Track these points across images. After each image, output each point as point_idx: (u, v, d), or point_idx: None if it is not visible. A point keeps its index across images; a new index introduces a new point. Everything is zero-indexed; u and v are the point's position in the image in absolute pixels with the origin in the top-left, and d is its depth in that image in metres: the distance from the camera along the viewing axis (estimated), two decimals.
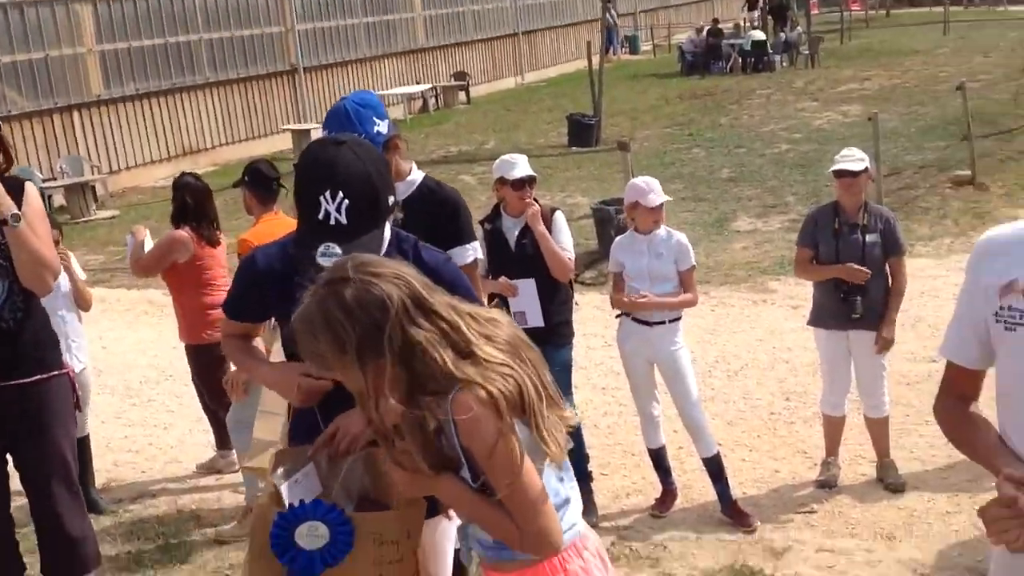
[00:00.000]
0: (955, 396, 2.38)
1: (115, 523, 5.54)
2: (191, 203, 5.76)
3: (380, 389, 2.21)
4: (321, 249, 2.60)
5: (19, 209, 3.68)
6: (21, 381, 3.74)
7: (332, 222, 2.60)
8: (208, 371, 5.76)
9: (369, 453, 2.67)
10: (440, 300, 2.25)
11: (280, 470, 2.59)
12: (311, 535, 2.43)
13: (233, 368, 5.15)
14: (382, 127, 3.39)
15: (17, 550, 4.01)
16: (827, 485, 5.45)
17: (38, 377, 3.79)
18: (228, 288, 5.77)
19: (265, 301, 2.93)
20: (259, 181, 5.43)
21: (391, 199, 2.75)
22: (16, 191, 3.76)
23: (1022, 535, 1.98)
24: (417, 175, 3.71)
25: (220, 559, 5.06)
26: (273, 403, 4.01)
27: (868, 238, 5.28)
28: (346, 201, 2.60)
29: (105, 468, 6.32)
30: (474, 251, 3.70)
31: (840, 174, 5.34)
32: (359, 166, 2.63)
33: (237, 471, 5.88)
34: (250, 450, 4.35)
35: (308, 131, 19.95)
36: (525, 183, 5.16)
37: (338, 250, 2.58)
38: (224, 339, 3.12)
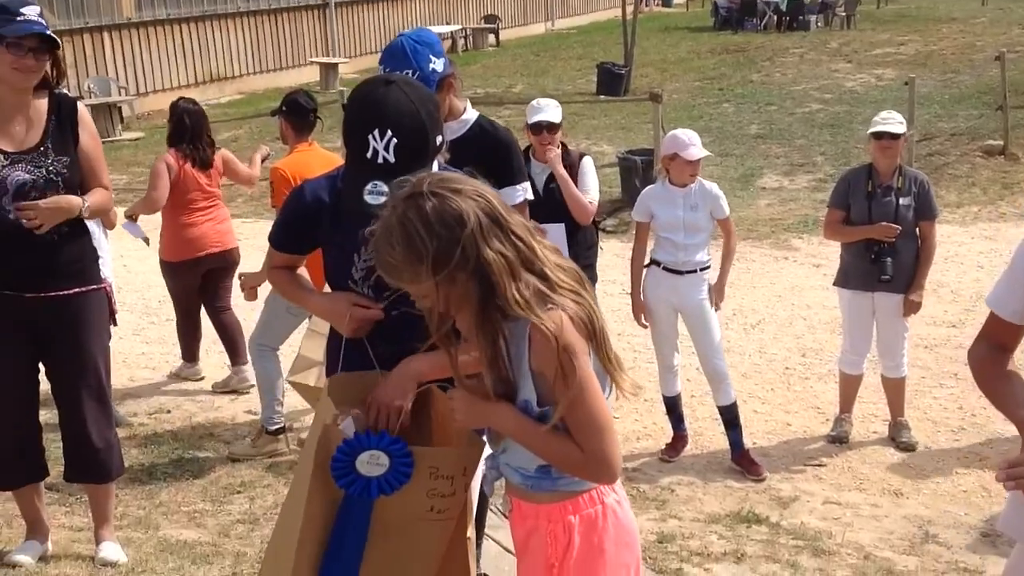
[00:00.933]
0: (992, 344, 2.38)
1: (130, 435, 5.60)
2: (188, 124, 6.09)
3: (452, 303, 2.22)
4: (368, 187, 2.61)
5: (77, 136, 3.78)
6: (61, 292, 3.78)
7: (380, 160, 2.61)
8: (179, 288, 6.31)
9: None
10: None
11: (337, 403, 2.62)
12: (372, 463, 2.44)
13: (242, 272, 5.48)
14: (438, 65, 3.36)
15: (43, 456, 4.07)
16: (838, 440, 5.48)
17: (77, 290, 3.82)
18: (211, 209, 6.25)
19: (312, 233, 2.93)
20: (296, 111, 5.51)
21: (439, 139, 2.74)
22: (70, 111, 3.80)
23: None
24: (471, 114, 3.69)
25: (232, 476, 5.12)
26: (320, 323, 4.02)
27: (902, 201, 5.27)
28: (394, 140, 2.60)
29: (122, 383, 6.38)
30: (524, 191, 3.69)
31: (880, 136, 5.29)
32: (408, 105, 2.63)
33: (251, 388, 6.04)
34: (293, 365, 4.36)
35: (336, 65, 19.91)
36: (543, 128, 5.16)
37: (385, 188, 2.58)
38: (270, 271, 3.13)
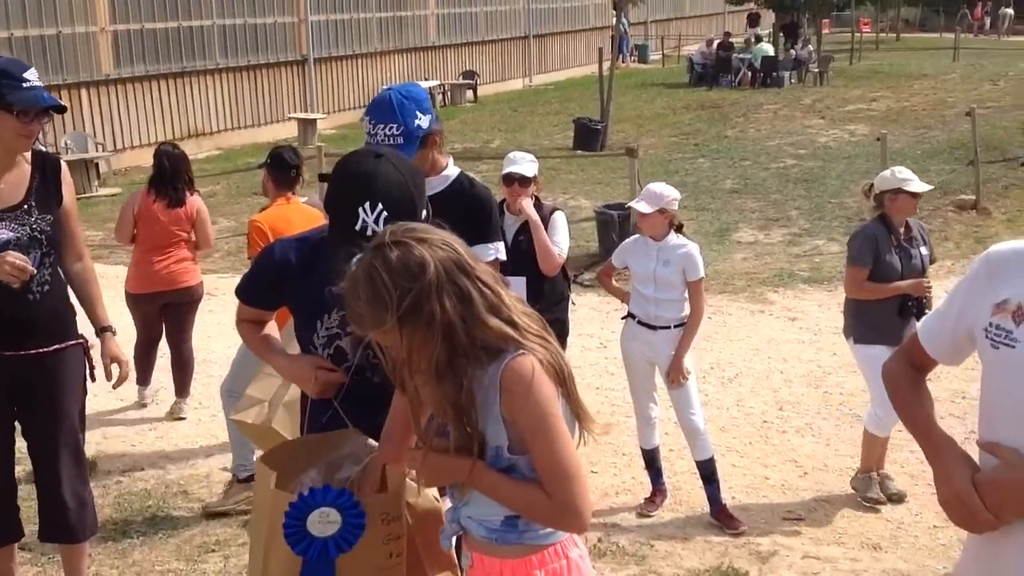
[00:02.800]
0: (910, 364, 2.45)
1: (103, 493, 5.52)
2: (167, 165, 6.49)
3: (416, 352, 2.22)
4: (356, 259, 2.63)
5: (61, 195, 3.85)
6: (40, 350, 3.77)
7: (369, 232, 2.63)
8: (138, 318, 6.73)
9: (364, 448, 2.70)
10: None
11: (349, 453, 2.61)
12: (323, 522, 2.43)
13: None
14: (423, 121, 3.41)
15: (18, 514, 4.02)
16: (899, 499, 5.31)
17: (55, 347, 3.81)
18: (173, 248, 6.50)
19: (277, 291, 2.95)
20: (279, 165, 5.64)
21: (424, 212, 2.78)
22: (54, 169, 3.84)
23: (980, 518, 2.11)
24: (453, 170, 3.72)
25: (206, 534, 5.06)
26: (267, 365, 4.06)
27: (922, 251, 5.31)
28: (384, 213, 2.64)
29: (95, 440, 6.30)
30: (496, 251, 3.71)
31: (905, 193, 5.23)
32: (398, 178, 2.67)
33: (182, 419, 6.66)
34: (239, 403, 4.37)
35: (314, 120, 19.99)
36: (514, 180, 5.22)
37: None
38: (238, 323, 3.14)
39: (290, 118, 20.71)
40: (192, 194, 6.60)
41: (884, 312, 5.24)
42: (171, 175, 6.46)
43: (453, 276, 2.21)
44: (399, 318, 2.18)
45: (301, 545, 2.44)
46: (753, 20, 34.07)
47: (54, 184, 3.82)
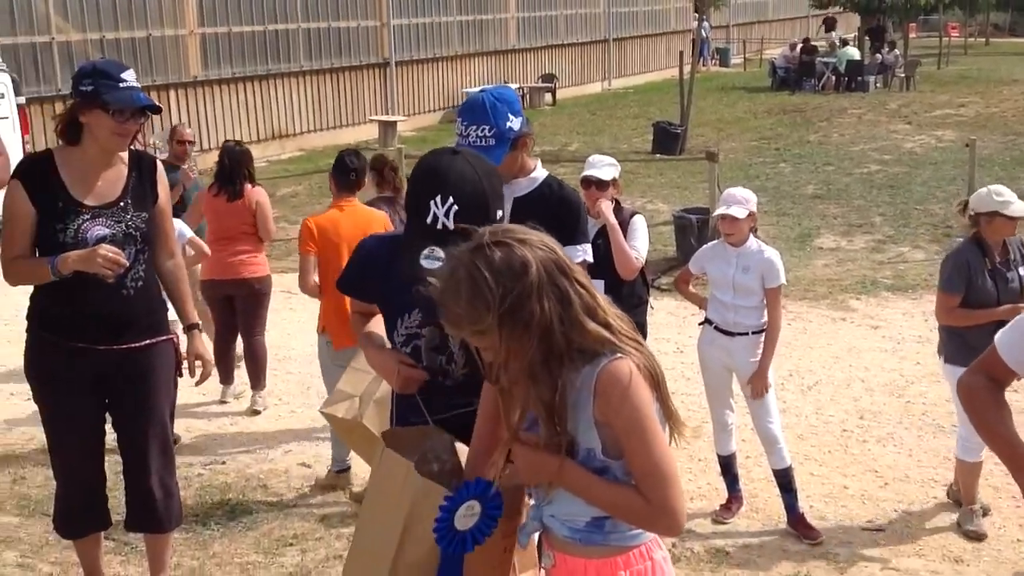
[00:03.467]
0: (989, 377, 2.41)
1: (185, 486, 5.62)
2: (226, 162, 6.79)
3: (512, 354, 2.23)
4: (425, 252, 2.66)
5: (157, 193, 3.93)
6: (133, 344, 3.86)
7: (439, 226, 2.66)
8: (209, 307, 6.95)
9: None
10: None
11: (430, 447, 2.62)
12: (466, 515, 2.41)
13: None
14: (515, 123, 3.43)
15: (106, 504, 4.12)
16: (977, 538, 5.04)
17: (148, 342, 3.90)
18: (230, 241, 6.77)
19: (365, 283, 3.02)
20: (340, 169, 5.78)
21: (499, 213, 2.79)
22: (150, 168, 3.94)
23: None
24: (541, 172, 3.71)
25: (284, 528, 5.14)
26: (365, 363, 4.14)
27: (1020, 271, 5.02)
28: (455, 207, 2.66)
29: (178, 433, 6.44)
30: (584, 253, 3.70)
31: (1002, 216, 4.93)
32: (472, 175, 2.70)
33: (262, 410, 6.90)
34: (329, 397, 4.45)
35: (394, 123, 20.18)
36: (591, 184, 5.23)
37: (441, 253, 2.61)
38: (351, 314, 3.23)
39: (371, 120, 20.94)
40: (252, 187, 6.83)
41: (979, 334, 4.83)
42: (230, 171, 6.76)
43: (553, 277, 2.21)
44: (499, 319, 2.18)
45: (448, 539, 2.41)
46: (830, 24, 33.59)
47: (150, 183, 3.91)
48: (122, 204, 3.81)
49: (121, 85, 3.67)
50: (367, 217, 5.64)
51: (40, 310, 3.85)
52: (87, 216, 3.73)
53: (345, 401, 4.01)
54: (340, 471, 5.63)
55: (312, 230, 5.57)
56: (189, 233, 6.52)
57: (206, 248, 6.70)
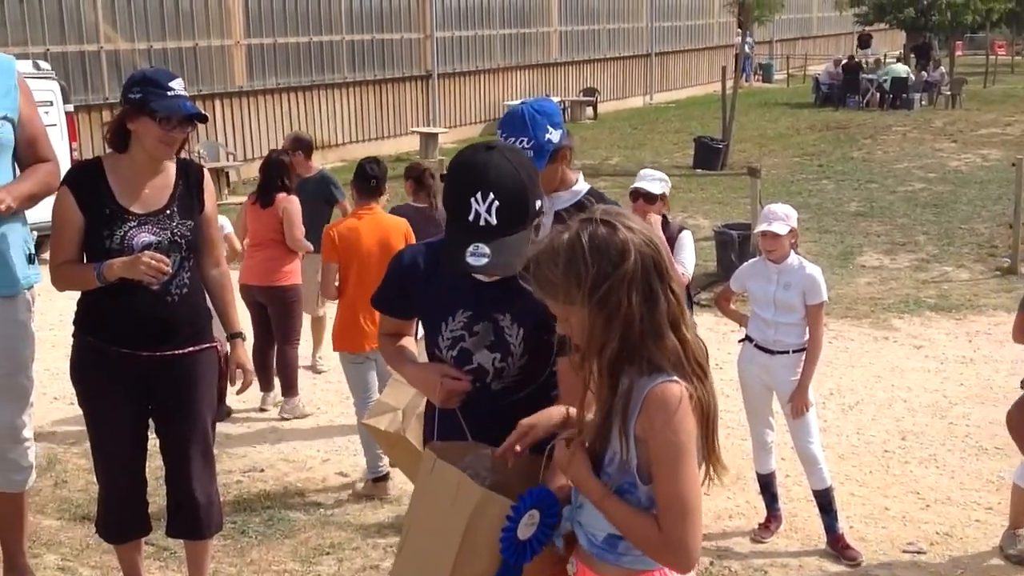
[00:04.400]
0: None
1: (223, 493, 5.64)
2: (264, 171, 7.06)
3: (591, 336, 2.21)
4: (470, 249, 2.65)
5: (203, 202, 3.96)
6: (176, 352, 3.88)
7: (482, 223, 2.65)
8: (251, 318, 6.96)
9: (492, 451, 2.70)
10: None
11: (469, 462, 2.61)
12: (527, 524, 2.39)
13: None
14: (554, 136, 3.42)
15: (146, 510, 4.16)
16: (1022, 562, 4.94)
17: (191, 349, 3.91)
18: (259, 247, 6.90)
19: (406, 296, 2.98)
20: (360, 177, 5.89)
21: (539, 203, 2.79)
22: (197, 177, 3.97)
23: None
24: (582, 186, 3.70)
25: (321, 537, 5.16)
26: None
27: None
28: (496, 202, 2.65)
29: (217, 441, 6.47)
30: None
31: None
32: (509, 169, 2.68)
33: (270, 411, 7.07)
34: (371, 409, 4.46)
35: (436, 135, 20.28)
36: (639, 196, 5.23)
37: (487, 249, 2.63)
38: (380, 337, 3.21)
39: (412, 131, 21.06)
40: (285, 196, 6.92)
41: None
42: (265, 179, 7.00)
43: (648, 274, 2.17)
44: (589, 296, 2.16)
45: (513, 550, 2.39)
46: (864, 41, 33.36)
47: (196, 191, 3.93)
48: (168, 212, 3.84)
49: (169, 94, 3.70)
50: (387, 225, 5.75)
51: (86, 315, 3.89)
52: (133, 223, 3.76)
53: (388, 413, 4.01)
54: (377, 479, 5.66)
55: (334, 239, 5.69)
56: (228, 228, 6.66)
57: (238, 245, 6.87)
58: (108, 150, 3.89)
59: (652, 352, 2.18)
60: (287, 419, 6.97)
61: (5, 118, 3.86)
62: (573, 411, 2.46)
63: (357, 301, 5.55)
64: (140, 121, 3.71)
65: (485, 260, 2.62)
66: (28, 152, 3.99)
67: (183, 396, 3.93)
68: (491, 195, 2.65)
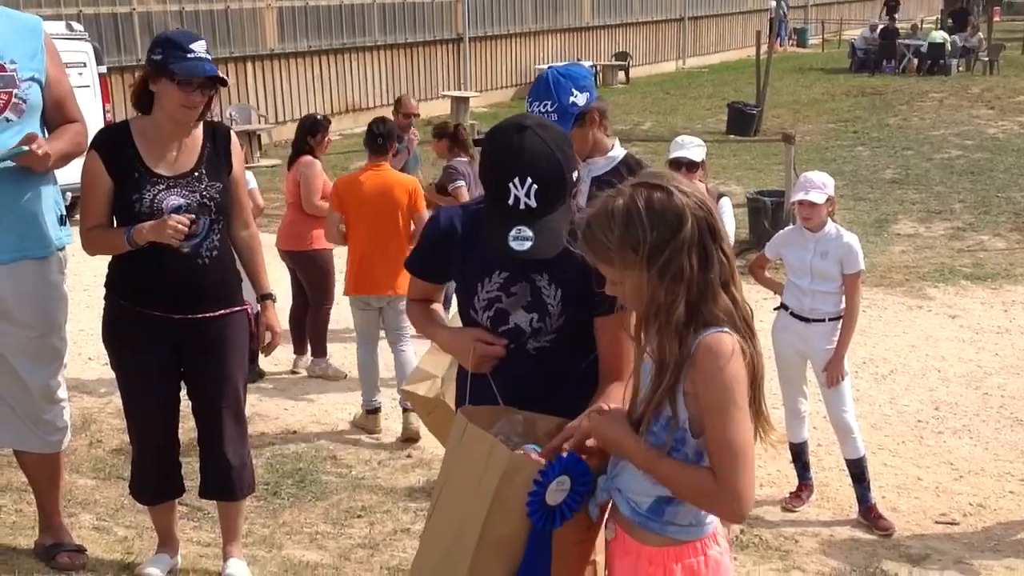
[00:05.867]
0: None
1: (256, 455, 5.65)
2: (296, 134, 7.18)
3: (649, 299, 2.22)
4: (513, 233, 2.64)
5: (231, 164, 3.95)
6: (208, 314, 3.88)
7: (522, 206, 2.64)
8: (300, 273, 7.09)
9: (527, 417, 2.69)
10: (728, 241, 2.28)
11: (501, 427, 2.62)
12: (557, 490, 2.39)
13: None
14: (579, 99, 3.39)
15: (179, 471, 4.19)
16: None
17: (222, 311, 3.92)
18: (286, 210, 7.03)
19: (444, 259, 2.96)
20: (369, 135, 6.23)
21: (575, 174, 2.77)
22: (224, 139, 3.96)
23: None
24: (619, 151, 3.65)
25: (353, 500, 5.19)
26: None
27: None
28: (535, 186, 2.63)
29: (250, 402, 6.50)
30: None
31: None
32: (544, 149, 2.66)
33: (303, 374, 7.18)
34: (410, 376, 4.49)
35: (467, 99, 20.18)
36: (682, 165, 5.20)
37: (529, 232, 2.62)
38: (408, 303, 3.18)
39: (444, 95, 20.97)
40: (307, 159, 6.96)
41: None
42: (294, 140, 7.17)
43: (704, 237, 2.20)
44: (648, 261, 2.18)
45: (540, 514, 2.39)
46: (891, 7, 32.85)
47: (224, 153, 3.92)
48: (196, 174, 3.83)
49: (189, 56, 3.66)
50: (391, 179, 6.10)
51: (117, 278, 3.90)
52: (162, 186, 3.76)
53: (427, 380, 4.00)
54: (369, 411, 6.13)
55: (336, 190, 6.18)
56: (253, 184, 6.67)
57: (260, 200, 6.94)
58: (135, 113, 3.88)
59: (707, 311, 2.20)
60: (314, 377, 7.03)
61: (33, 79, 3.85)
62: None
63: (359, 249, 6.02)
64: (161, 83, 3.69)
65: (529, 244, 2.62)
66: (56, 114, 3.98)
67: (214, 358, 3.94)
68: (528, 179, 2.63)
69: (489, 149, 2.75)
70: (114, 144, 3.78)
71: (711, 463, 2.20)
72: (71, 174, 3.98)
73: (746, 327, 2.23)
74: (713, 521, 2.36)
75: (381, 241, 5.93)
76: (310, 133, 7.01)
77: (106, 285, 3.95)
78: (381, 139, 6.14)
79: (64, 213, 4.10)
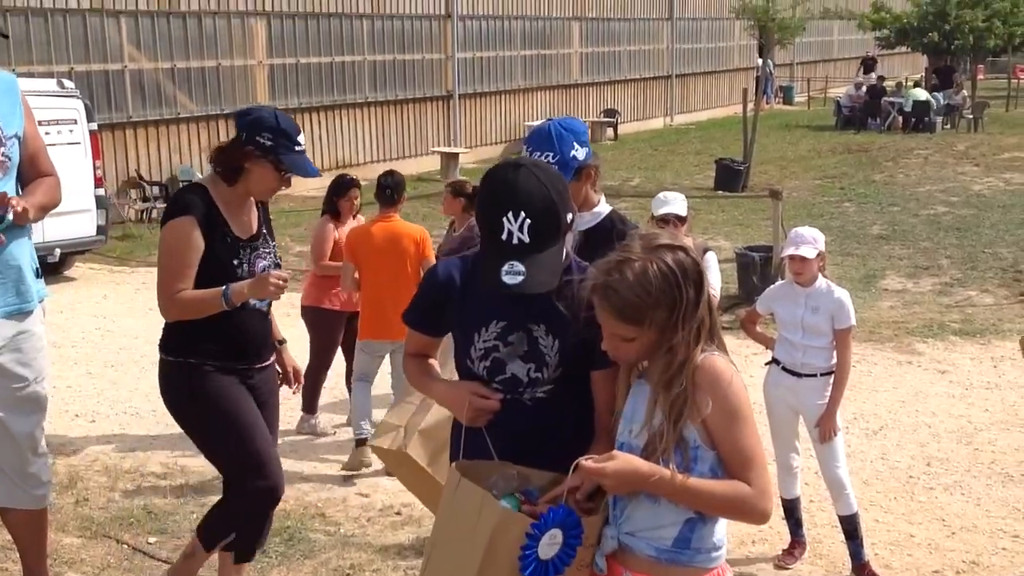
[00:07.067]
0: None
1: None
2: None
3: (686, 347, 2.38)
4: (505, 268, 2.66)
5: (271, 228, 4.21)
6: (266, 363, 4.19)
7: (515, 241, 2.67)
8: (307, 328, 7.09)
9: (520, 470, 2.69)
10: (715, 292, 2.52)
11: (495, 482, 2.61)
12: (549, 544, 2.41)
13: None
14: (579, 153, 3.43)
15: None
16: None
17: (271, 359, 4.25)
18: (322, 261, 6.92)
19: (441, 310, 2.96)
20: (378, 187, 6.47)
21: (570, 216, 2.79)
22: (264, 204, 4.17)
23: None
24: (604, 208, 3.70)
25: (341, 558, 5.13)
26: (412, 394, 4.21)
27: None
28: (528, 220, 2.66)
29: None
30: None
31: None
32: (538, 186, 2.69)
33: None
34: (376, 430, 4.54)
35: (456, 155, 20.33)
36: (669, 221, 5.20)
37: (522, 267, 2.65)
38: (405, 358, 3.18)
39: (433, 151, 21.13)
40: (323, 217, 7.05)
41: None
42: (324, 200, 7.18)
43: (702, 287, 2.40)
44: (683, 320, 2.36)
45: (533, 569, 2.40)
46: (868, 66, 33.29)
47: (266, 217, 4.18)
48: (262, 237, 4.07)
49: (297, 148, 3.90)
50: (401, 229, 6.34)
51: (199, 341, 3.96)
52: (248, 249, 3.98)
53: (391, 433, 4.02)
54: (360, 441, 6.29)
55: (349, 242, 6.43)
56: None
57: None
58: (213, 173, 3.99)
59: (708, 344, 2.42)
60: (302, 434, 6.97)
61: (15, 136, 3.88)
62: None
63: (372, 296, 6.27)
64: (260, 165, 3.87)
65: (520, 279, 2.64)
66: (30, 168, 4.01)
67: (269, 404, 4.19)
68: (522, 213, 2.66)
69: (486, 185, 2.78)
70: (207, 211, 3.90)
71: (734, 472, 2.34)
72: (62, 230, 4.03)
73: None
74: (724, 549, 2.48)
75: (393, 289, 6.05)
76: (335, 194, 6.96)
77: (176, 349, 4.00)
78: (390, 191, 6.40)
79: (38, 267, 4.10)
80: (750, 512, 2.38)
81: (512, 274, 2.65)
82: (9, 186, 3.85)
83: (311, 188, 18.58)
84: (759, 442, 2.38)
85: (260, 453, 4.04)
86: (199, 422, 4.07)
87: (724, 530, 2.48)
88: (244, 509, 4.16)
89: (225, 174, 3.92)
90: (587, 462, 2.36)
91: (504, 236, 2.67)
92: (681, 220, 5.21)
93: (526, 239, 2.66)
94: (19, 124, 3.91)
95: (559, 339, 2.79)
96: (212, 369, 3.97)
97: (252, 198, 4.04)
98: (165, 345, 4.05)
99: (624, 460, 2.35)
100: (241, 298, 3.83)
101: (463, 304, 2.89)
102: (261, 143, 3.82)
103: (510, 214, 2.66)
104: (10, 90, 3.94)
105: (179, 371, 4.00)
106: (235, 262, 3.92)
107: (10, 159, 3.85)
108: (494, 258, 2.69)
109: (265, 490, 4.11)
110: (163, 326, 4.08)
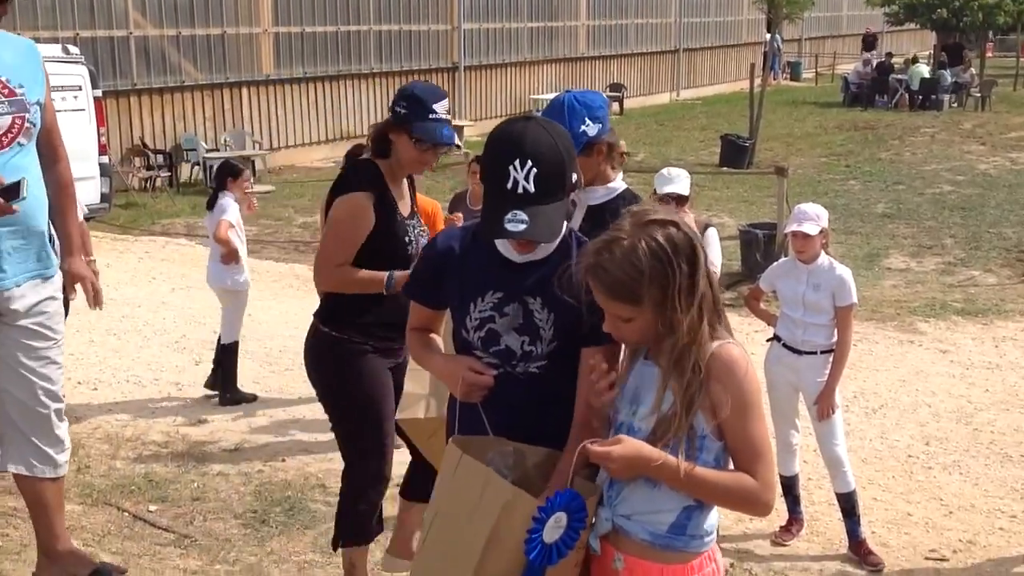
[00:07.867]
0: None
1: (245, 481, 5.71)
2: None
3: (691, 328, 2.31)
4: (508, 216, 2.65)
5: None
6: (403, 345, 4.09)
7: (520, 190, 2.65)
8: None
9: (518, 449, 2.69)
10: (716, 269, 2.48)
11: (492, 458, 2.61)
12: (555, 527, 2.39)
13: None
14: (590, 128, 3.41)
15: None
16: None
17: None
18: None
19: (439, 281, 2.95)
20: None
21: (575, 176, 2.78)
22: (411, 180, 4.13)
23: None
24: (619, 184, 3.67)
25: None
26: None
27: None
28: (534, 169, 2.65)
29: (240, 429, 6.52)
30: None
31: None
32: (547, 138, 2.69)
33: None
34: (401, 403, 4.49)
35: (461, 127, 20.25)
36: (672, 200, 5.18)
37: (524, 216, 2.63)
38: (408, 331, 3.17)
39: None
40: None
41: None
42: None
43: (703, 265, 2.34)
44: (679, 297, 2.29)
45: (538, 552, 2.39)
46: (869, 43, 33.13)
47: (413, 192, 4.14)
48: (416, 215, 4.08)
49: (431, 116, 3.78)
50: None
51: (357, 315, 3.96)
52: (411, 227, 3.98)
53: (419, 403, 3.99)
54: None
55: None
56: (228, 215, 6.99)
57: (222, 232, 7.00)
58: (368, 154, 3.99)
59: (719, 328, 2.36)
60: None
61: (38, 103, 3.87)
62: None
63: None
64: (399, 136, 3.83)
65: (523, 227, 2.61)
66: (45, 138, 3.99)
67: (401, 380, 4.13)
68: (529, 162, 2.64)
69: (494, 136, 2.77)
70: (380, 187, 3.89)
71: (741, 463, 2.33)
72: (84, 196, 4.02)
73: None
74: (715, 533, 2.48)
75: None
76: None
77: (337, 322, 3.99)
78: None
79: (54, 234, 4.13)
80: (753, 505, 2.37)
81: (515, 222, 2.63)
82: (31, 152, 3.85)
83: (315, 159, 18.64)
84: (767, 434, 2.36)
85: (386, 447, 4.14)
86: (343, 397, 4.07)
87: (716, 516, 2.48)
88: (357, 486, 4.24)
89: (375, 148, 3.91)
90: (593, 446, 2.35)
91: (509, 184, 2.65)
92: (683, 200, 5.19)
93: (531, 188, 2.64)
94: (41, 91, 3.90)
95: (555, 313, 2.78)
96: (370, 349, 3.97)
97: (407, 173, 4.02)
98: (327, 317, 4.02)
99: (631, 445, 2.32)
100: (400, 286, 3.76)
101: (461, 274, 2.88)
102: (398, 112, 3.79)
103: (517, 162, 2.64)
104: (32, 56, 3.93)
105: (336, 344, 3.99)
106: (405, 240, 3.92)
107: (34, 125, 3.85)
108: (498, 207, 2.67)
109: (379, 477, 4.21)
110: (324, 297, 4.09)
